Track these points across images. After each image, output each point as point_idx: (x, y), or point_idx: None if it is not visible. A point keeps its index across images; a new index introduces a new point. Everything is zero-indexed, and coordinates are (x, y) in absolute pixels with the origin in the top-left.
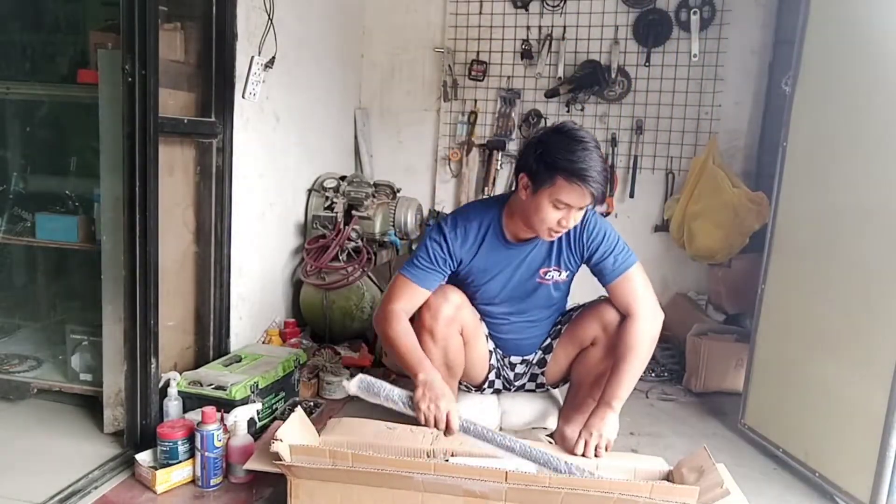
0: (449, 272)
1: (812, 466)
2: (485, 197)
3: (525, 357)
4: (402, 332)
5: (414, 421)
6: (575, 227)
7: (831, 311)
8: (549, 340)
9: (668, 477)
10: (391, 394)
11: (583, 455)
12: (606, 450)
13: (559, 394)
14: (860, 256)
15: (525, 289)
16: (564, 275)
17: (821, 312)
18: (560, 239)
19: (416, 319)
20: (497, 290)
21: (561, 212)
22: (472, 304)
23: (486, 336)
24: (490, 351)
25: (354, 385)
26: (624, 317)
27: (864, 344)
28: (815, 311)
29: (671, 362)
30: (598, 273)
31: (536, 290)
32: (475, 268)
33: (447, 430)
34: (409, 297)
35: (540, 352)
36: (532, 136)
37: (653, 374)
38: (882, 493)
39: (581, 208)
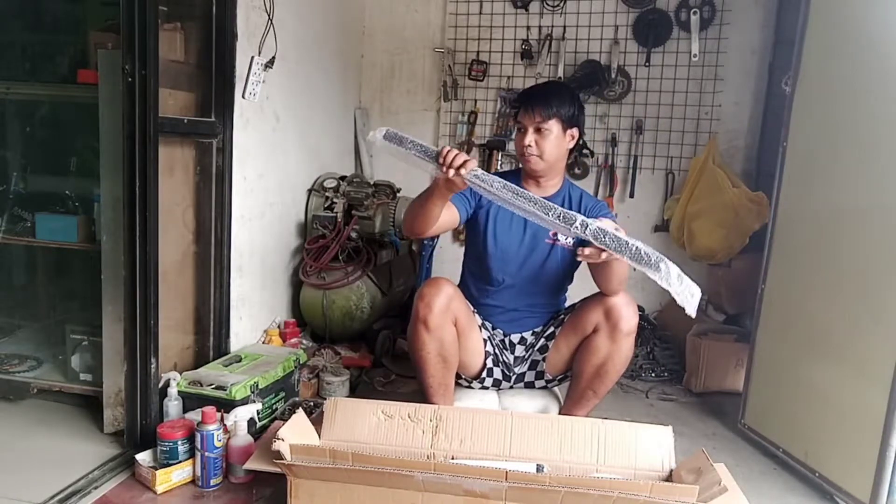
0: (474, 205)
1: (812, 466)
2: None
3: (524, 335)
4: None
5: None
6: (587, 206)
7: (831, 311)
8: (551, 328)
9: (668, 479)
10: (415, 144)
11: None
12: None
13: (560, 391)
14: (860, 256)
15: (538, 248)
16: (571, 241)
17: (821, 312)
18: (567, 203)
19: (411, 311)
20: (509, 245)
21: (522, 135)
22: (484, 285)
23: (481, 326)
24: (485, 339)
25: (380, 134)
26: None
27: (865, 344)
28: (815, 311)
29: (671, 362)
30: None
31: (549, 254)
32: (491, 214)
33: (462, 167)
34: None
35: (542, 339)
36: None
37: (653, 374)
38: (882, 493)
39: (538, 128)
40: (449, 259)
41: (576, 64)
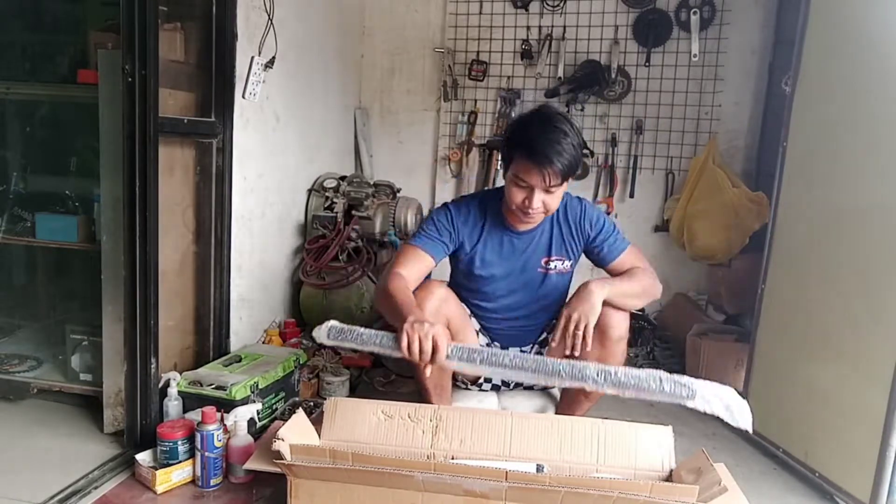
0: (453, 247)
1: (812, 466)
2: (487, 189)
3: (522, 349)
4: (401, 288)
5: (399, 365)
6: (575, 215)
7: (831, 311)
8: (544, 334)
9: (668, 479)
10: (367, 336)
11: (571, 351)
12: (585, 333)
13: (557, 392)
14: (860, 256)
15: (530, 279)
16: (567, 264)
17: (821, 312)
18: (560, 228)
19: None
20: (502, 283)
21: (524, 191)
22: (475, 300)
23: (478, 331)
24: (483, 345)
25: (324, 333)
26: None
27: (865, 344)
28: (815, 311)
29: (671, 362)
30: (598, 256)
31: (543, 282)
32: (478, 256)
33: (433, 358)
34: (414, 261)
35: (536, 346)
36: (518, 115)
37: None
38: (882, 493)
39: (547, 190)
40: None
41: (576, 64)
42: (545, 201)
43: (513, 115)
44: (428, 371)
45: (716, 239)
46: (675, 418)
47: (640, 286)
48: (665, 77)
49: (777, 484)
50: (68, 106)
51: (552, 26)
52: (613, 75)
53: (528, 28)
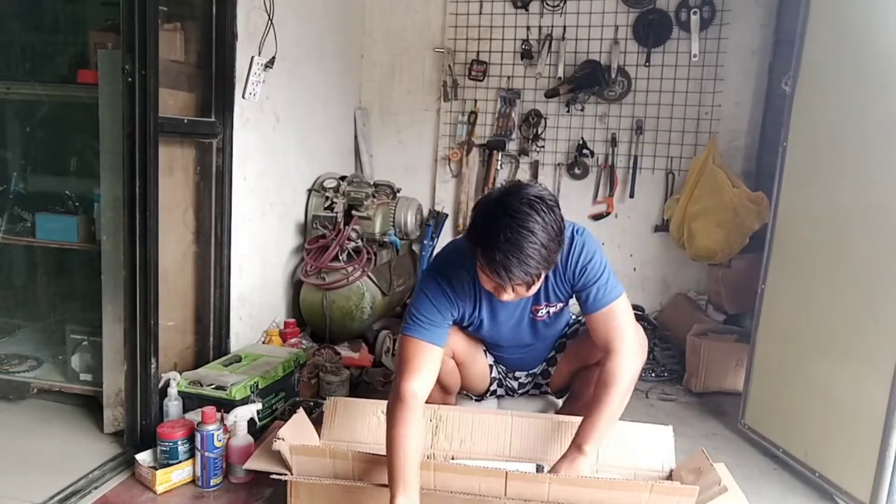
0: (452, 321)
1: (812, 466)
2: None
3: (531, 371)
4: (401, 438)
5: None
6: (564, 261)
7: (831, 311)
8: (553, 353)
9: (668, 479)
10: None
11: None
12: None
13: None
14: (860, 256)
15: (521, 328)
16: (559, 306)
17: (821, 312)
18: (549, 277)
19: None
20: (493, 333)
21: (492, 282)
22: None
23: (486, 352)
24: (491, 365)
25: None
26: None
27: (865, 343)
28: (815, 311)
29: (671, 362)
30: (580, 302)
31: (534, 326)
32: (476, 321)
33: None
34: (422, 361)
35: (544, 363)
36: (484, 197)
37: (653, 374)
38: (882, 493)
39: (515, 290)
40: None
41: (576, 64)
42: (518, 292)
43: (514, 114)
44: None
45: (716, 239)
46: (675, 418)
47: (618, 405)
48: (665, 77)
49: (777, 484)
50: (68, 106)
51: (552, 26)
52: (613, 75)
53: (528, 28)
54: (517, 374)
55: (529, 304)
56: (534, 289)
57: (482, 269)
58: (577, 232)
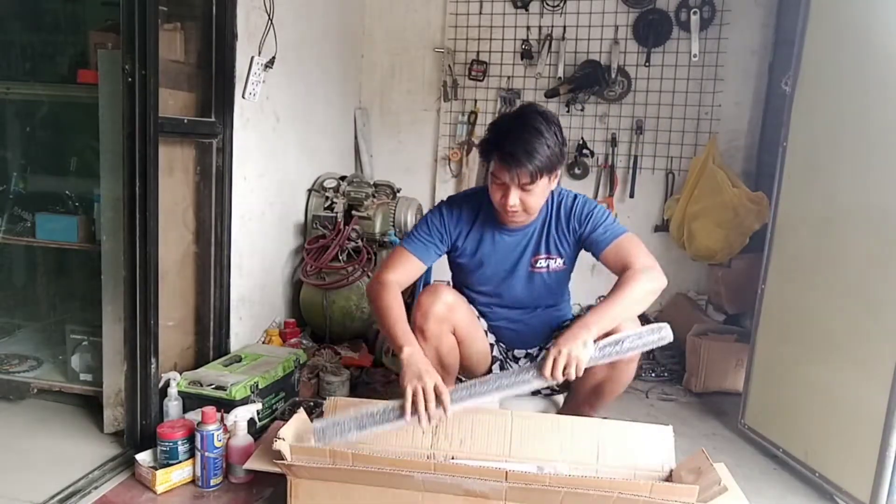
0: (445, 249)
1: (812, 466)
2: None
3: (529, 350)
4: (392, 303)
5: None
6: (563, 209)
7: (831, 311)
8: (553, 340)
9: (668, 479)
10: (363, 419)
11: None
12: (576, 372)
13: (560, 399)
14: (860, 256)
15: (519, 278)
16: (559, 262)
17: (821, 312)
18: (551, 226)
19: (410, 320)
20: (491, 277)
21: (500, 188)
22: (476, 292)
23: (486, 331)
24: (492, 344)
25: (314, 439)
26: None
27: (865, 344)
28: (815, 311)
29: (671, 362)
30: (591, 245)
31: (532, 280)
32: (469, 251)
33: (440, 403)
34: (405, 266)
35: (544, 350)
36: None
37: (653, 374)
38: (882, 493)
39: (521, 188)
40: None
41: (576, 64)
42: (523, 199)
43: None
44: (433, 423)
45: (716, 239)
46: (675, 418)
47: (631, 301)
48: (665, 77)
49: (777, 484)
50: (68, 106)
51: (552, 26)
52: (613, 75)
53: (528, 28)
54: (516, 352)
55: (529, 252)
56: (537, 195)
57: (493, 168)
58: (580, 195)
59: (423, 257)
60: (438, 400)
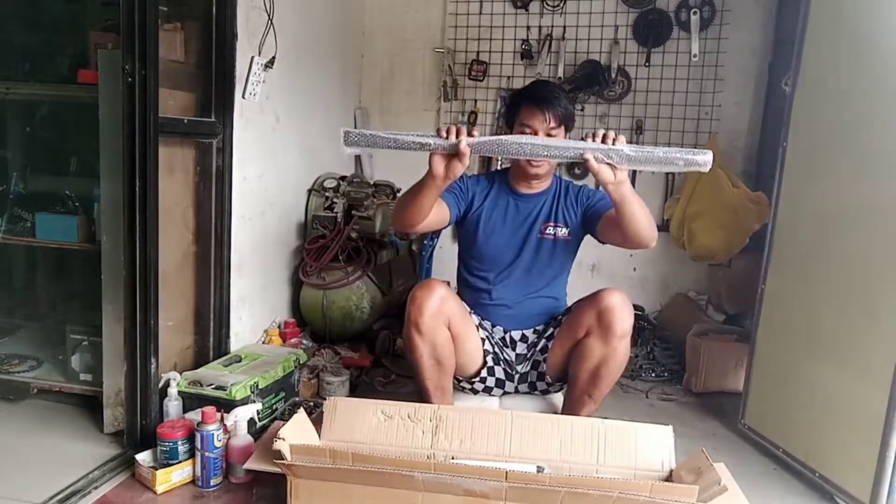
0: (464, 205)
1: (812, 466)
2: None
3: (525, 332)
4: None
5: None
6: (571, 189)
7: (831, 311)
8: (551, 328)
9: (668, 479)
10: (396, 136)
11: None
12: (616, 143)
13: (560, 397)
14: (860, 256)
15: (530, 242)
16: (565, 231)
17: (821, 312)
18: (560, 198)
19: (404, 315)
20: (500, 240)
21: (531, 125)
22: (474, 270)
23: (478, 326)
24: (483, 338)
25: (348, 143)
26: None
27: (864, 344)
28: (815, 311)
29: (671, 362)
30: (594, 213)
31: (542, 246)
32: (485, 213)
33: (468, 133)
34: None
35: (543, 339)
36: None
37: (653, 374)
38: (882, 493)
39: (548, 133)
40: (449, 259)
41: (576, 64)
42: (552, 132)
43: None
44: (463, 141)
45: (716, 239)
46: (675, 418)
47: (646, 210)
48: (665, 77)
49: (777, 484)
50: (68, 106)
51: (552, 26)
52: (613, 75)
53: (528, 28)
54: (513, 334)
55: (541, 219)
56: (560, 137)
57: (523, 114)
58: (583, 185)
59: (448, 204)
60: (467, 132)
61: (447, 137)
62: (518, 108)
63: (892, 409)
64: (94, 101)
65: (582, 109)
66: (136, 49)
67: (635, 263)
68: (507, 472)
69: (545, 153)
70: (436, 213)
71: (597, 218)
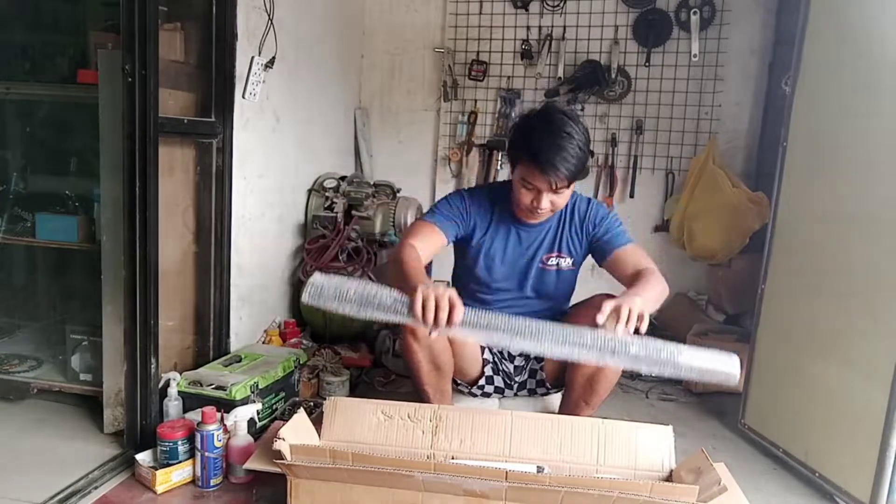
0: (464, 231)
1: (812, 466)
2: (495, 182)
3: (524, 355)
4: (413, 258)
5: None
6: (577, 212)
7: (831, 311)
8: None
9: (668, 479)
10: (363, 295)
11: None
12: (640, 322)
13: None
14: (860, 256)
15: (529, 273)
16: (569, 261)
17: (821, 312)
18: (566, 226)
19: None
20: (500, 271)
21: (531, 192)
22: (472, 290)
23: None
24: (483, 347)
25: (306, 293)
26: None
27: (864, 344)
28: (815, 311)
29: None
30: (602, 246)
31: (541, 277)
32: (486, 244)
33: (450, 319)
34: (428, 236)
35: (537, 359)
36: (520, 115)
37: (653, 374)
38: (882, 493)
39: (555, 191)
40: (450, 260)
41: (576, 64)
42: (553, 201)
43: (514, 114)
44: (435, 334)
45: (716, 239)
46: (675, 418)
47: (657, 292)
48: (665, 77)
49: (777, 484)
50: (68, 106)
51: (552, 26)
52: (613, 75)
53: (528, 28)
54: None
55: (543, 250)
56: (565, 196)
57: (525, 174)
58: (591, 199)
59: (446, 230)
60: (450, 315)
61: (424, 319)
62: (519, 158)
63: (893, 408)
64: (94, 101)
65: (582, 109)
66: (136, 49)
67: None
68: (507, 472)
69: (537, 349)
70: (430, 251)
71: (605, 254)
